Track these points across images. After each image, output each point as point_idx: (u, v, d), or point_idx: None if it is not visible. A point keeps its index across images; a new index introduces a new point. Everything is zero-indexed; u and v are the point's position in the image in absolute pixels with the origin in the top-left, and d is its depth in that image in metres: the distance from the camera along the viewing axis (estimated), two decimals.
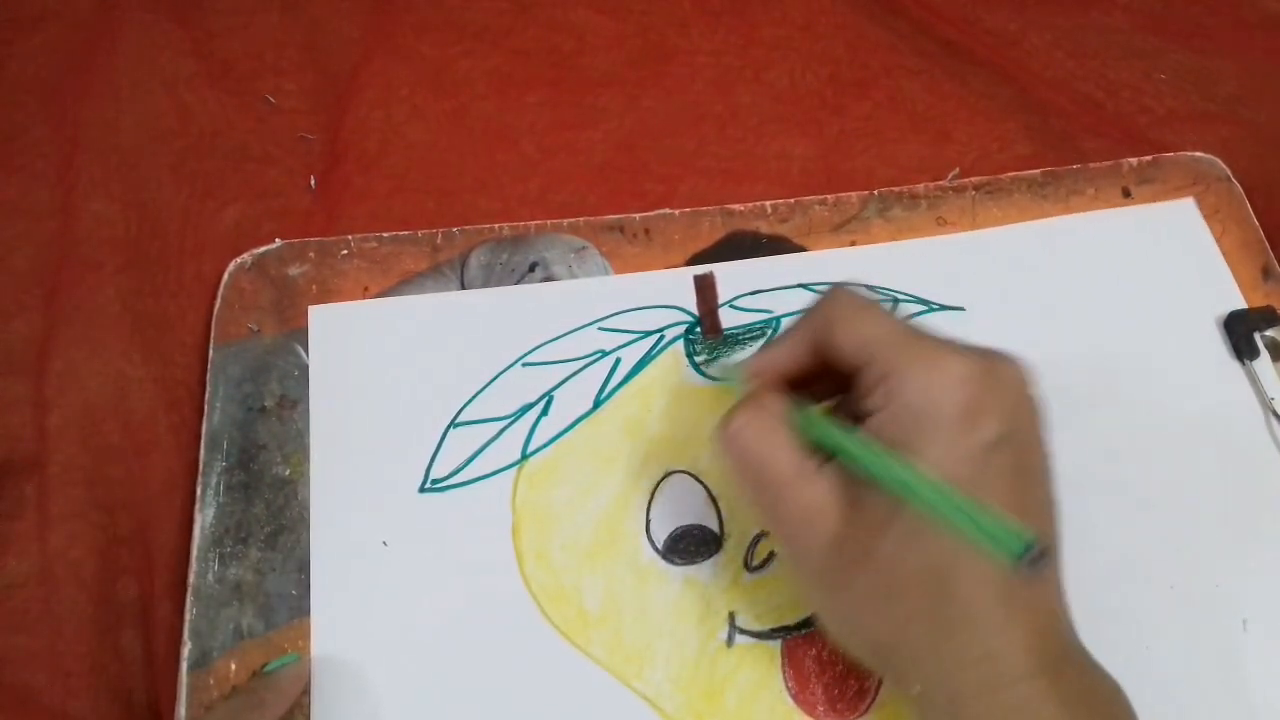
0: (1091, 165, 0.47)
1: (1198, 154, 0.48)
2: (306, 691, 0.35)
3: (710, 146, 0.48)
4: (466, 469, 0.39)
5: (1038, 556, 0.26)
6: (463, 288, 0.43)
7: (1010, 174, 0.47)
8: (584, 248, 0.44)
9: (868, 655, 0.30)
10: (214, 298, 0.42)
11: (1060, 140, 0.49)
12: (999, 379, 0.28)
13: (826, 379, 0.32)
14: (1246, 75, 0.50)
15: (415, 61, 0.49)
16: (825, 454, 0.30)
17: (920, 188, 0.46)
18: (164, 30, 0.48)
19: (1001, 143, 0.48)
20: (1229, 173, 0.47)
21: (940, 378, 0.28)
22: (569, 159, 0.47)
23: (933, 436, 0.27)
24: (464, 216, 0.45)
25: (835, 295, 0.31)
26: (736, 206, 0.45)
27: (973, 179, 0.47)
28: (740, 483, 0.32)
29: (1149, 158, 0.47)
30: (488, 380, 0.41)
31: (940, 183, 0.46)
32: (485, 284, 0.43)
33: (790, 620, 0.37)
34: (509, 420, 0.40)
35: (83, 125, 0.45)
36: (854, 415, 0.30)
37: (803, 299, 0.43)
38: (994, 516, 0.27)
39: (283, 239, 0.43)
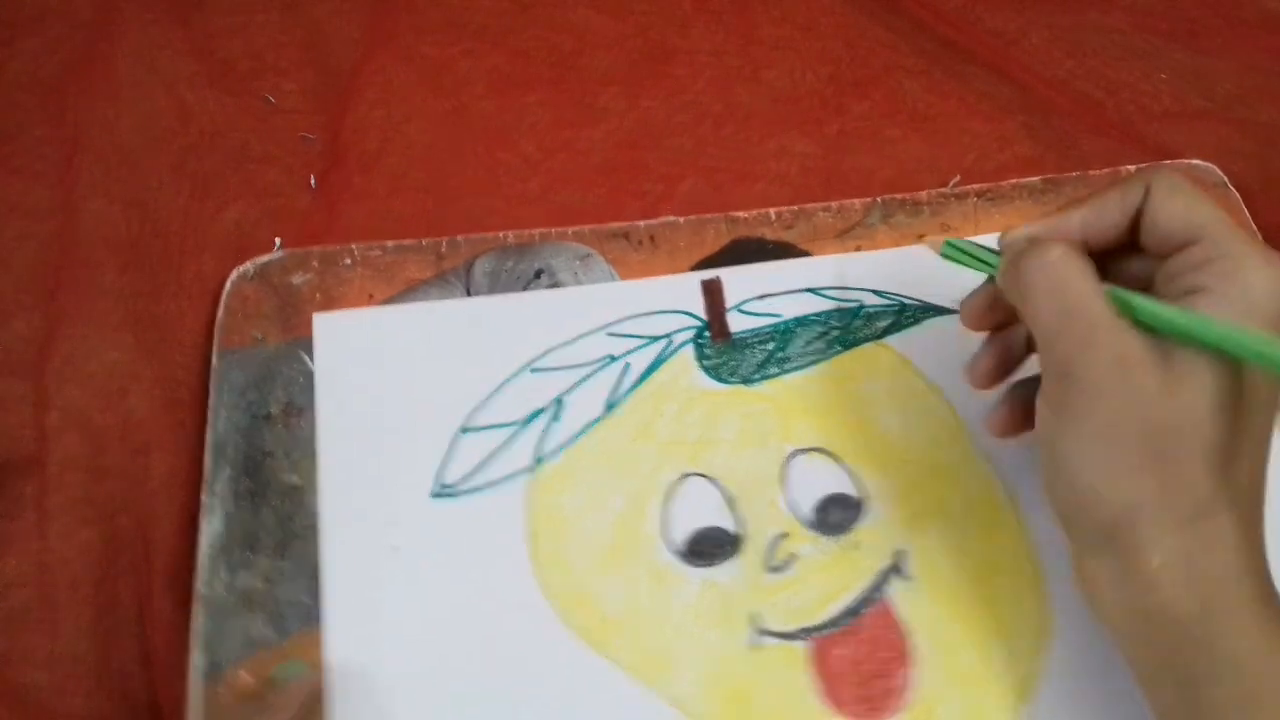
0: (1091, 172, 0.47)
1: (1195, 161, 0.48)
2: (320, 699, 0.35)
3: (710, 146, 0.48)
4: (478, 474, 0.39)
5: None
6: (468, 295, 0.43)
7: (1011, 181, 0.47)
8: (589, 255, 0.44)
9: (1108, 524, 0.29)
10: (214, 298, 0.42)
11: (1060, 140, 0.49)
12: None
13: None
14: (1246, 75, 0.51)
15: (415, 61, 0.49)
16: None
17: (923, 195, 0.46)
18: (164, 30, 0.48)
19: (1001, 142, 0.49)
20: (1225, 179, 0.47)
21: (1276, 269, 0.29)
22: (569, 158, 0.47)
23: (1265, 321, 0.28)
24: (464, 216, 0.45)
25: (1161, 171, 0.31)
26: (741, 213, 0.45)
27: (974, 186, 0.47)
28: (1042, 314, 0.30)
29: (1147, 165, 0.47)
30: (496, 386, 0.40)
31: (942, 190, 0.47)
32: (491, 291, 0.43)
33: (815, 621, 0.36)
34: (520, 426, 0.40)
35: (83, 125, 0.45)
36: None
37: (809, 303, 0.43)
38: None
39: (283, 239, 0.43)
